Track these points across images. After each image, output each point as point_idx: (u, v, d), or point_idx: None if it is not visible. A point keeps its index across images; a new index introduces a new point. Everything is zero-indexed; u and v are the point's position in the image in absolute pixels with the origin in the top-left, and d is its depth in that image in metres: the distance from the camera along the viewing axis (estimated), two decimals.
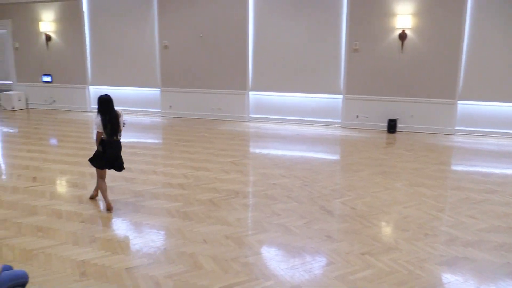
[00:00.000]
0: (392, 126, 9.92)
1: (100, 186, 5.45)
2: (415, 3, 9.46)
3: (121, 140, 5.48)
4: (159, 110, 12.32)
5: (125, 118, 5.55)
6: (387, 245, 4.40)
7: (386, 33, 9.82)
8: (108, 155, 5.30)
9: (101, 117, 5.25)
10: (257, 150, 8.71)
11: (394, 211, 5.34)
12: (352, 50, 10.13)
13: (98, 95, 5.46)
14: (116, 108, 5.42)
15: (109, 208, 5.33)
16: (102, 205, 5.57)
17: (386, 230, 4.91)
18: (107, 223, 5.03)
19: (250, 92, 11.29)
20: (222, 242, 4.49)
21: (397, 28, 9.67)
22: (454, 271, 3.90)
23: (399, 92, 9.95)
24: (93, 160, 5.40)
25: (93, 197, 5.74)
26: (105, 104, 5.31)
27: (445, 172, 7.15)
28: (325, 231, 4.74)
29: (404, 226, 4.89)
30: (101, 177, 5.45)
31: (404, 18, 9.52)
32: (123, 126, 5.47)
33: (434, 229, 4.80)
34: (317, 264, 4.04)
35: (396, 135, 9.77)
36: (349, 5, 9.96)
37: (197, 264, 4.05)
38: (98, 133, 5.30)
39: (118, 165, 5.44)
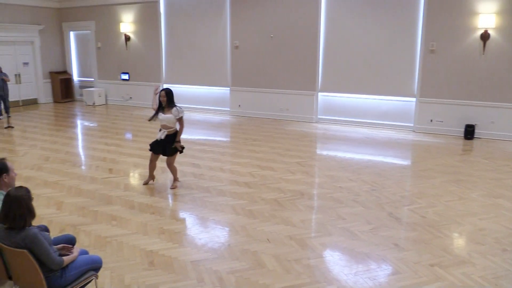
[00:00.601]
0: (469, 132, 9.35)
1: (171, 169, 6.21)
2: (500, 1, 8.83)
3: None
4: (228, 109, 12.56)
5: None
6: (459, 258, 4.15)
7: (466, 33, 9.26)
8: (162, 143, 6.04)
9: None
10: (324, 152, 8.60)
11: (469, 222, 5.02)
12: (428, 51, 9.67)
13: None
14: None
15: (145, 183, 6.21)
16: (170, 198, 5.79)
17: (459, 242, 4.64)
18: (175, 216, 5.22)
19: (319, 93, 11.17)
20: (285, 242, 4.48)
21: (478, 28, 9.08)
22: None
23: (479, 96, 9.35)
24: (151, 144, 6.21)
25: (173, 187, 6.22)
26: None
27: None
28: (392, 239, 4.57)
29: (479, 239, 4.58)
30: (151, 160, 6.20)
31: (487, 17, 8.92)
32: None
33: None
34: (382, 272, 3.91)
35: (474, 141, 9.19)
36: (426, 3, 9.52)
37: (260, 262, 4.08)
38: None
39: (163, 152, 6.10)
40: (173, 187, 6.14)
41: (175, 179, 6.22)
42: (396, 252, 4.28)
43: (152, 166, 6.20)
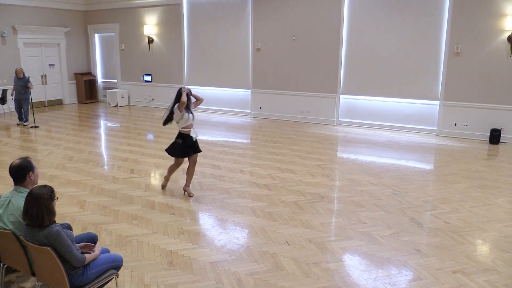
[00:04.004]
0: (495, 136, 9.13)
1: (172, 169, 6.10)
2: None
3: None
4: (249, 111, 12.59)
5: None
6: (483, 265, 4.05)
7: (493, 36, 9.05)
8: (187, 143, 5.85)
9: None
10: (345, 155, 8.52)
11: (493, 229, 4.90)
12: (453, 53, 9.49)
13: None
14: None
15: (188, 194, 5.94)
16: (191, 199, 5.82)
17: (483, 249, 4.52)
18: (195, 217, 5.25)
19: (341, 96, 11.09)
20: (304, 245, 4.46)
21: (506, 30, 8.87)
22: None
23: (505, 100, 9.12)
24: (172, 151, 5.98)
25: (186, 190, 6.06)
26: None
27: None
28: (413, 244, 4.49)
29: (504, 246, 4.46)
30: (177, 165, 6.06)
31: None
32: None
33: None
34: (403, 278, 3.84)
35: (500, 146, 8.97)
36: (451, 5, 9.36)
37: (279, 265, 4.06)
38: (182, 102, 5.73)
39: (195, 150, 5.93)
40: (191, 194, 5.95)
41: (189, 184, 6.00)
42: (417, 258, 4.20)
43: (174, 170, 6.11)
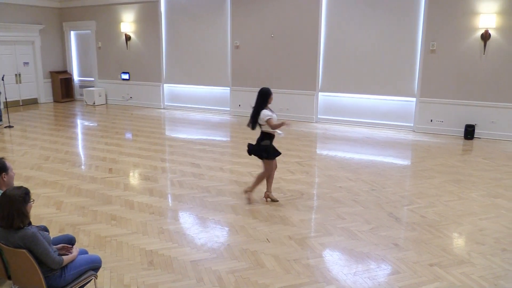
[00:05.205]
0: (469, 132, 9.34)
1: (271, 176, 5.56)
2: (500, 1, 8.82)
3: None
4: (228, 109, 12.56)
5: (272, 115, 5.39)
6: (458, 258, 4.15)
7: (467, 33, 9.25)
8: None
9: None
10: (324, 152, 8.59)
11: (468, 222, 5.02)
12: (429, 51, 9.66)
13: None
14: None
15: (272, 199, 5.58)
16: (170, 198, 5.78)
17: (459, 242, 4.63)
18: (175, 216, 5.22)
19: (320, 93, 11.17)
20: (284, 242, 4.48)
21: (479, 28, 9.08)
22: None
23: (479, 96, 9.34)
24: (273, 154, 5.47)
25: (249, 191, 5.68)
26: (258, 95, 5.44)
27: None
28: (391, 239, 4.57)
29: (479, 239, 4.58)
30: (274, 168, 5.55)
31: (487, 17, 8.92)
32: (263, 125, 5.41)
33: None
34: (381, 272, 3.91)
35: (474, 141, 9.18)
36: (426, 3, 9.52)
37: (259, 262, 4.08)
38: (273, 122, 5.31)
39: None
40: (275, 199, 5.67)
41: (253, 187, 5.65)
42: (395, 252, 4.28)
43: (272, 177, 5.63)
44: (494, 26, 8.92)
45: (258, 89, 5.54)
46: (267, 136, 5.44)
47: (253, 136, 5.60)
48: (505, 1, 8.78)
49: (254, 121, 5.41)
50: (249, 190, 5.63)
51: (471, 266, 3.99)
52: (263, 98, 5.40)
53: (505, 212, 5.31)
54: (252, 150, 5.54)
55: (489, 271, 3.90)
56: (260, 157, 5.49)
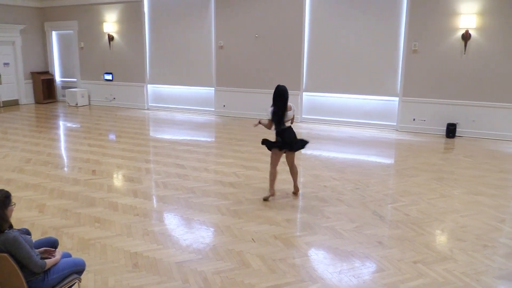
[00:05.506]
0: (451, 130, 9.49)
1: (271, 172, 5.70)
2: (481, 2, 8.98)
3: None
4: (213, 109, 12.53)
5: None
6: (441, 255, 4.22)
7: (448, 34, 9.40)
8: (285, 140, 5.56)
9: (272, 106, 5.62)
10: (309, 151, 8.62)
11: (450, 219, 5.11)
12: (411, 51, 9.79)
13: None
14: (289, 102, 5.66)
15: (266, 199, 5.69)
16: (155, 200, 5.75)
17: (441, 239, 4.71)
18: (159, 217, 5.19)
19: (304, 93, 11.22)
20: (270, 242, 4.49)
21: (460, 28, 9.23)
22: None
23: (460, 96, 9.50)
24: (268, 143, 5.67)
25: (295, 193, 5.92)
26: (275, 94, 5.74)
27: (508, 181, 6.73)
28: (376, 237, 4.62)
29: (460, 235, 4.66)
30: (274, 164, 5.67)
31: (468, 18, 9.07)
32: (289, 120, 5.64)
33: (494, 240, 4.54)
34: (366, 270, 3.94)
35: (456, 140, 9.33)
36: (409, 4, 9.64)
37: (245, 262, 4.08)
38: (269, 120, 5.62)
39: (297, 147, 5.68)
40: (296, 192, 5.90)
41: (296, 182, 5.89)
42: (380, 250, 4.32)
43: (275, 173, 5.73)
44: (474, 27, 9.08)
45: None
46: (278, 134, 5.64)
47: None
48: (485, 2, 8.95)
49: (281, 120, 5.57)
50: (295, 191, 5.87)
51: (454, 263, 4.06)
52: (287, 96, 5.72)
53: (485, 209, 5.41)
54: (293, 143, 5.61)
55: (471, 267, 3.97)
56: (296, 148, 5.68)
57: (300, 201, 5.74)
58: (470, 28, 9.12)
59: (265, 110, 11.47)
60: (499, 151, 8.41)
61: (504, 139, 9.20)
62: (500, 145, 8.85)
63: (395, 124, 10.35)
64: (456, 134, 9.54)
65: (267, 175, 6.68)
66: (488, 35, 9.05)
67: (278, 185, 6.26)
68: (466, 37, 9.17)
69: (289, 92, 5.81)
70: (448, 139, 9.38)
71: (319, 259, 4.17)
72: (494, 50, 9.04)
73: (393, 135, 9.82)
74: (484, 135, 9.40)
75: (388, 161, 8.09)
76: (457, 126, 9.54)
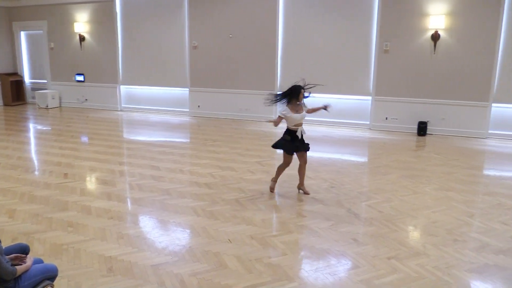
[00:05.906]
0: (422, 128, 9.72)
1: (281, 169, 5.95)
2: (449, 3, 9.23)
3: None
4: (188, 110, 12.45)
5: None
6: (414, 250, 4.31)
7: (418, 34, 9.62)
8: (299, 140, 5.80)
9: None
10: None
11: (423, 215, 5.22)
12: (383, 51, 9.97)
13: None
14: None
15: (272, 190, 5.99)
16: (129, 202, 5.67)
17: (414, 234, 4.81)
18: (134, 220, 5.12)
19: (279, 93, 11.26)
20: (246, 242, 4.50)
21: (429, 29, 9.46)
22: (484, 279, 3.78)
23: (430, 94, 9.73)
24: (286, 148, 5.86)
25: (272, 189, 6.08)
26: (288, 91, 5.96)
27: (477, 177, 6.94)
28: (351, 234, 4.68)
29: (432, 231, 4.78)
30: (287, 164, 5.88)
31: (437, 18, 9.31)
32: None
33: (464, 235, 4.67)
34: (342, 267, 3.99)
35: (427, 138, 9.56)
36: (380, 5, 9.81)
37: (222, 263, 4.07)
38: (278, 117, 5.93)
39: (308, 146, 5.92)
40: (307, 193, 5.98)
41: (303, 182, 6.03)
42: (355, 247, 4.39)
43: (283, 170, 6.00)
44: (443, 27, 9.32)
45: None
46: (287, 132, 5.91)
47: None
48: (453, 3, 9.20)
49: (273, 100, 6.14)
50: (302, 187, 6.00)
51: (426, 257, 4.15)
52: (292, 92, 6.07)
53: (456, 204, 5.56)
54: (305, 143, 5.92)
55: (442, 261, 4.07)
56: (305, 149, 5.90)
57: (276, 201, 5.76)
58: (439, 29, 9.35)
59: (240, 110, 11.52)
60: (467, 148, 8.66)
61: (472, 136, 9.48)
62: (468, 142, 9.11)
63: (368, 123, 10.51)
64: (427, 132, 9.77)
65: (243, 176, 6.69)
66: (456, 36, 9.30)
67: (252, 185, 6.28)
68: (435, 37, 9.40)
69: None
70: (420, 137, 9.60)
71: (296, 258, 4.20)
72: (462, 50, 9.30)
73: (366, 134, 9.98)
74: (454, 132, 9.66)
75: (362, 159, 8.21)
76: (428, 124, 9.77)
